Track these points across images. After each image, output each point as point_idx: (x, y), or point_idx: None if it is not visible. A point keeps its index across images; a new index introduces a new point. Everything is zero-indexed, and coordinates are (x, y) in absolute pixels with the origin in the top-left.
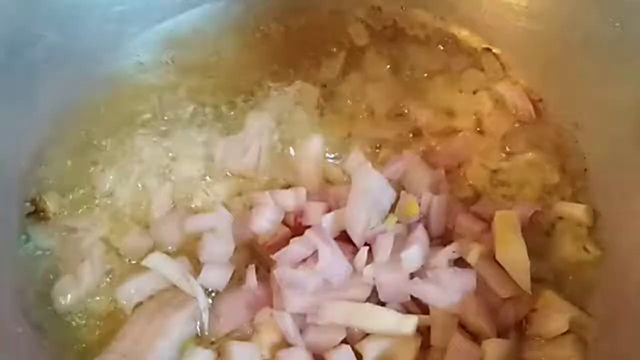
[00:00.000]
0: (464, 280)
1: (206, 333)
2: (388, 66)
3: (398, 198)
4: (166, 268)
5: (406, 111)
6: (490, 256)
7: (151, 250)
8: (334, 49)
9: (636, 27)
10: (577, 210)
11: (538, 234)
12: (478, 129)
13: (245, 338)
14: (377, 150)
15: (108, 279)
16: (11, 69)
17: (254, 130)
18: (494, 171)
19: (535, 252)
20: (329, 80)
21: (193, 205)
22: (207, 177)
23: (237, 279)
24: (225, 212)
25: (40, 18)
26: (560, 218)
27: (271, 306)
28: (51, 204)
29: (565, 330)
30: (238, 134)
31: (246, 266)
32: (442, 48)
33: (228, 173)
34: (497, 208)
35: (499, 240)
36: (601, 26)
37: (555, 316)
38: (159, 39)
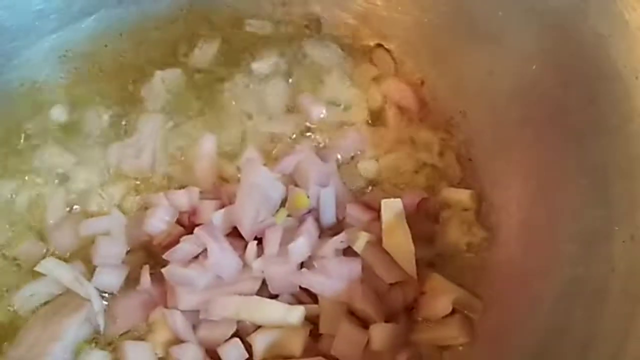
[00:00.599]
0: (351, 269)
1: (102, 334)
2: (282, 61)
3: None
4: (60, 273)
5: (300, 106)
6: (379, 244)
7: (45, 256)
8: (229, 43)
9: (517, 15)
10: (463, 196)
11: (426, 219)
12: (369, 122)
13: (140, 337)
14: (272, 146)
15: (4, 287)
16: None
17: (146, 132)
18: (385, 162)
19: (424, 238)
20: (224, 73)
21: (89, 210)
22: (103, 181)
23: (133, 280)
24: (118, 215)
25: None
26: (447, 204)
27: (165, 305)
28: None
29: (450, 311)
30: (132, 137)
31: (141, 267)
32: (336, 44)
33: (123, 175)
34: (386, 197)
35: (385, 228)
36: (485, 16)
37: (442, 298)
38: (52, 50)
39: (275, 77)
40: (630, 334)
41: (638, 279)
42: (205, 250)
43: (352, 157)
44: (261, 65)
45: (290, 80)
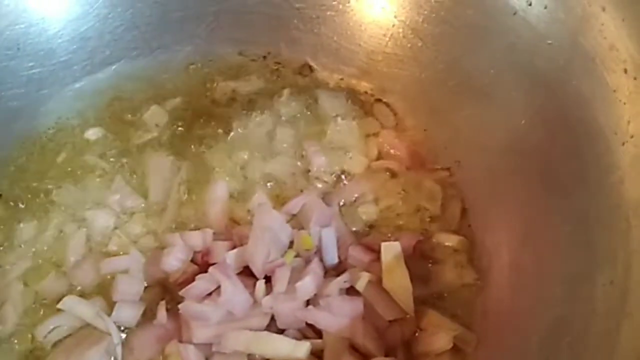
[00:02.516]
0: (353, 306)
1: None
2: (295, 108)
3: None
4: (81, 309)
5: (306, 153)
6: (379, 283)
7: (67, 292)
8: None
9: (507, 74)
10: (454, 240)
11: (422, 260)
12: (369, 169)
13: None
14: (279, 190)
15: (28, 320)
16: None
17: (154, 172)
18: (383, 206)
19: (420, 277)
20: (236, 122)
21: (108, 249)
22: (120, 221)
23: (149, 315)
24: (137, 254)
25: None
26: (441, 247)
27: (180, 338)
28: None
29: (450, 347)
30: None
31: (158, 302)
32: (344, 95)
33: (139, 216)
34: (385, 239)
35: (385, 268)
36: (478, 74)
37: (441, 334)
38: (75, 98)
39: (286, 121)
40: None
41: (617, 319)
42: (218, 287)
43: (354, 201)
44: (282, 108)
45: (299, 126)
